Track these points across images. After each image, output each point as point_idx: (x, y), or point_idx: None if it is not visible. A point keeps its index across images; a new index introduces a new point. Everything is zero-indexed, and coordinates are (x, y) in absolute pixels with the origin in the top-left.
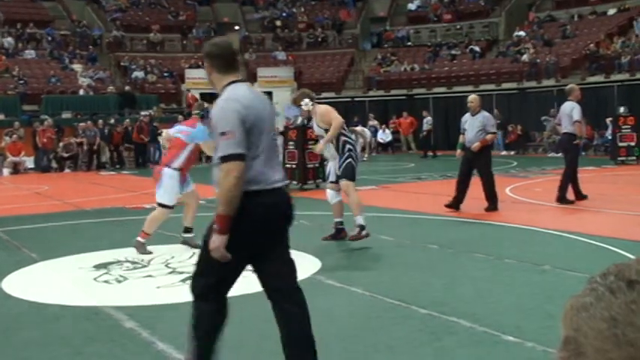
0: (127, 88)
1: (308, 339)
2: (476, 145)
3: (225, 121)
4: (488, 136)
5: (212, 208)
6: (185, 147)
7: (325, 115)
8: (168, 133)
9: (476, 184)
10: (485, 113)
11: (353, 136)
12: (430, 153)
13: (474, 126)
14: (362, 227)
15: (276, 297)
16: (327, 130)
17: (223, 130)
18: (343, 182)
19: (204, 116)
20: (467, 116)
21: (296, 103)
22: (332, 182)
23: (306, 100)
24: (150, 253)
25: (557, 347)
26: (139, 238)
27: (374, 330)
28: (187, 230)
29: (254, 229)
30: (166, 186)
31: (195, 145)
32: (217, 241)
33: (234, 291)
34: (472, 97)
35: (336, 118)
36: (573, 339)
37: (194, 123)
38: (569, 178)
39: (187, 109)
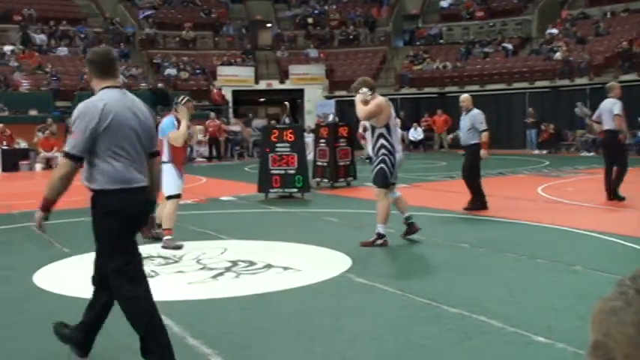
0: (159, 85)
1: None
2: (484, 153)
3: (77, 120)
4: (484, 135)
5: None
6: (162, 142)
7: (371, 105)
8: None
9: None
10: (475, 111)
11: (395, 140)
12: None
13: (465, 125)
14: (380, 236)
15: (104, 283)
16: (373, 127)
17: (73, 129)
18: (374, 189)
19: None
20: (462, 116)
21: (355, 91)
22: None
23: (364, 90)
24: (180, 247)
25: (587, 351)
26: (164, 238)
27: (405, 329)
28: (161, 226)
29: (125, 220)
30: (164, 180)
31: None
32: (36, 215)
33: (238, 292)
34: (463, 96)
35: (370, 111)
36: (603, 344)
37: (166, 116)
38: (623, 174)
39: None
